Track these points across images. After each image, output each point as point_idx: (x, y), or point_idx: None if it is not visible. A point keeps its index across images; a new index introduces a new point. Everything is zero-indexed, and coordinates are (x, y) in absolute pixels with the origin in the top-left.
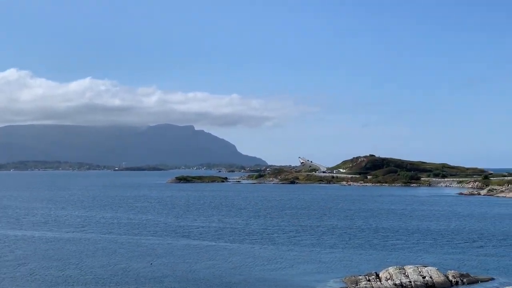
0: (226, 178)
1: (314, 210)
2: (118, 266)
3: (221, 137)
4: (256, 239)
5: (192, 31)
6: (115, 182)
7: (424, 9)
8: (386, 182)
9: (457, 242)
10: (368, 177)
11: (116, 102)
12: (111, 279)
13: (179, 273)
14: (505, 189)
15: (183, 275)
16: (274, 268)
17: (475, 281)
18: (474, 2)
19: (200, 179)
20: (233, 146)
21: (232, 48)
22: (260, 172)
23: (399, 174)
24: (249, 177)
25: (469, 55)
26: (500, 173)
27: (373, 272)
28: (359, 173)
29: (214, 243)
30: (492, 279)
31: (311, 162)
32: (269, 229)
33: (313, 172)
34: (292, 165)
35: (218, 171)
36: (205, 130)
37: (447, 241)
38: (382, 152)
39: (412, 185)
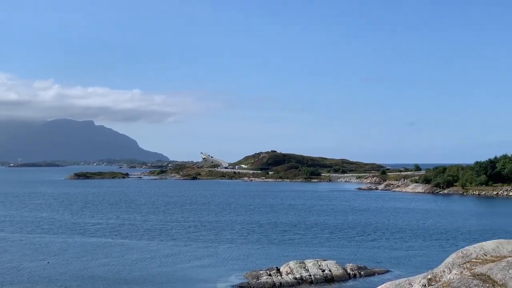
0: (127, 174)
1: (214, 206)
2: (10, 265)
3: (122, 133)
4: (154, 235)
5: (92, 25)
6: (9, 178)
7: (325, 6)
8: (287, 178)
9: (354, 235)
10: (270, 172)
11: (12, 96)
12: (3, 278)
13: (74, 271)
14: (401, 184)
15: (78, 273)
16: (173, 264)
17: (372, 274)
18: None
19: (100, 175)
20: (135, 142)
21: (133, 43)
22: (162, 168)
23: (300, 170)
24: (151, 173)
25: (368, 54)
26: (396, 169)
27: (274, 266)
28: (261, 169)
29: (111, 240)
30: (388, 271)
31: (213, 157)
32: (168, 225)
33: (215, 168)
34: (195, 161)
35: (119, 167)
36: (106, 126)
37: (344, 235)
38: (284, 148)
39: (313, 180)
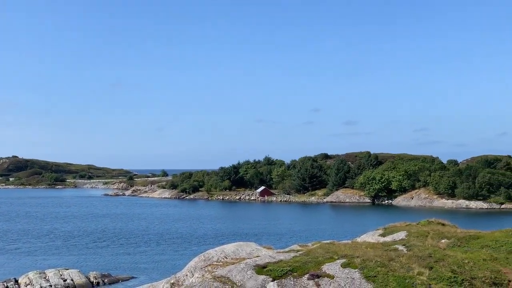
0: None
1: None
2: None
3: None
4: None
5: None
6: None
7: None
8: (30, 184)
9: (88, 242)
10: (11, 179)
11: None
12: None
13: None
14: (148, 190)
15: None
16: None
17: (116, 281)
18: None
19: None
20: None
21: None
22: None
23: (43, 176)
24: None
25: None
26: (144, 174)
27: (11, 278)
28: (1, 175)
29: None
30: (132, 277)
31: None
32: None
33: None
34: None
35: None
36: None
37: (78, 242)
38: (27, 153)
39: (58, 187)
